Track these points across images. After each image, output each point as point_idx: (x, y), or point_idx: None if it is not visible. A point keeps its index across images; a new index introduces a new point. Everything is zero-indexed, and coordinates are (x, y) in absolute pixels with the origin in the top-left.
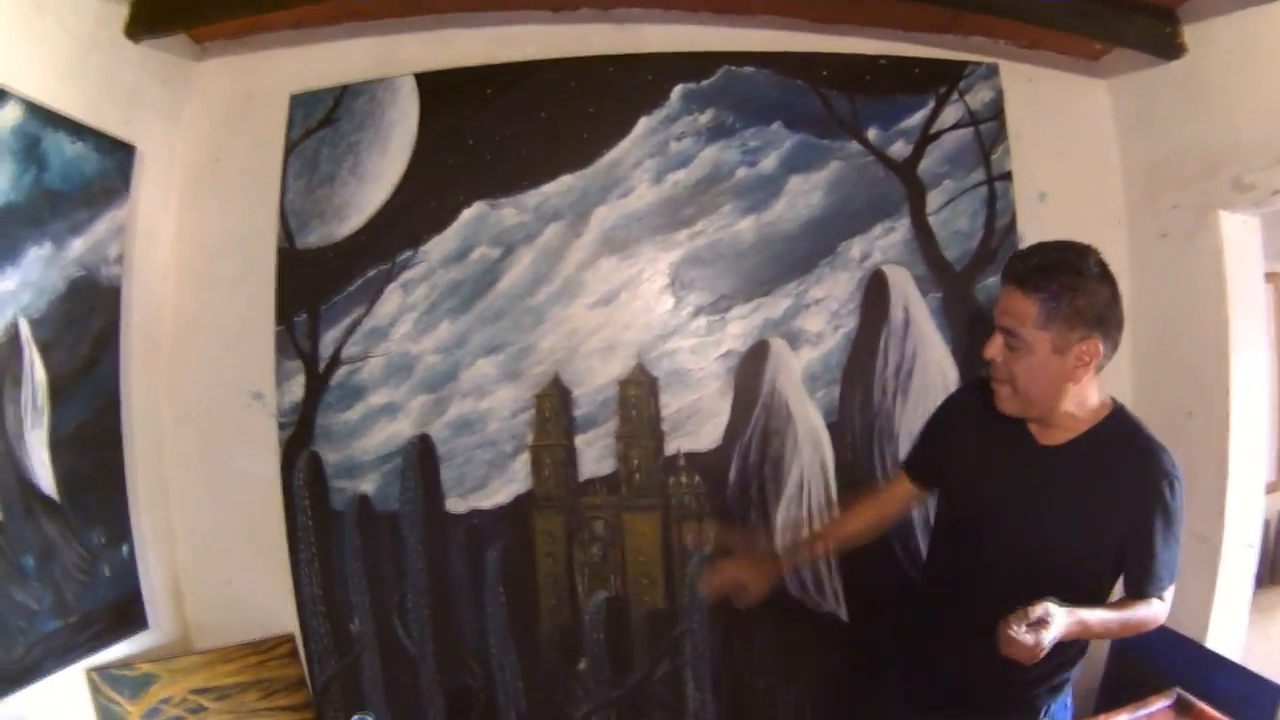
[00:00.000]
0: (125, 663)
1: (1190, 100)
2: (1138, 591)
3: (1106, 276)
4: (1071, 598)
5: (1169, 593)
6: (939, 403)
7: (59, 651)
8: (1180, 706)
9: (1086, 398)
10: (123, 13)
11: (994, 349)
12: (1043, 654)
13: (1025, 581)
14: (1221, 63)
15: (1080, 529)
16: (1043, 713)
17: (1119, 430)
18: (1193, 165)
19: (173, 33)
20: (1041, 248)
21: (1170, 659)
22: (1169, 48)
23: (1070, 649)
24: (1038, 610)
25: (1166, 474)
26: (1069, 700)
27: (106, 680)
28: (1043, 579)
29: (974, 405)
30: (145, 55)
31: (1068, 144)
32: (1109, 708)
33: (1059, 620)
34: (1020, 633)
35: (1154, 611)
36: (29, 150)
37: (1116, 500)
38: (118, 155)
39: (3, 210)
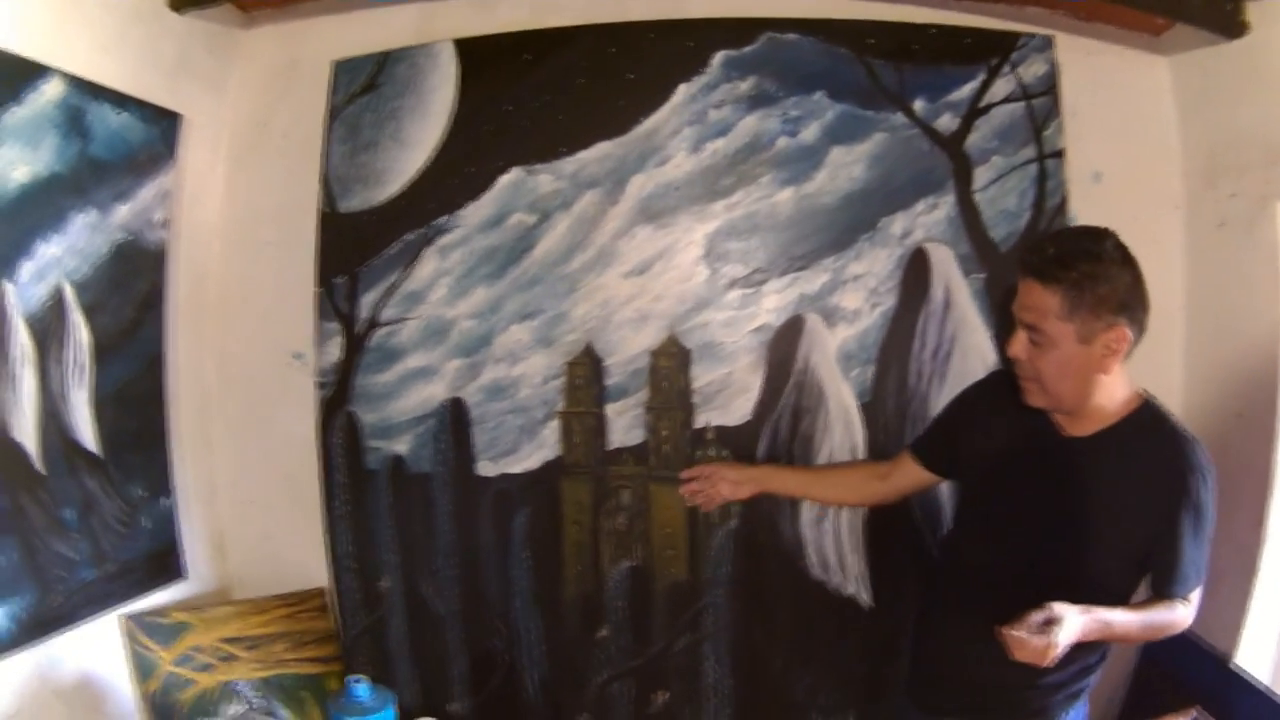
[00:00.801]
0: (160, 611)
1: (1252, 82)
2: (1163, 592)
3: (1127, 260)
4: (1096, 598)
5: (1196, 594)
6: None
7: (96, 599)
8: None
9: (1116, 389)
10: None
11: (1018, 347)
12: (1057, 656)
13: (1048, 581)
14: None
15: (1107, 525)
16: (1059, 718)
17: (1149, 422)
18: (1253, 152)
19: (216, 3)
20: (1057, 236)
21: (1196, 673)
22: (1231, 25)
23: (1091, 655)
24: (1041, 613)
25: (1198, 467)
26: (1086, 709)
27: (141, 627)
28: (1066, 578)
29: (996, 397)
30: (192, 26)
31: (1125, 123)
32: (1132, 718)
33: (1072, 621)
34: (1025, 635)
35: (1178, 615)
36: (73, 122)
37: (1145, 495)
38: (163, 124)
39: (47, 180)
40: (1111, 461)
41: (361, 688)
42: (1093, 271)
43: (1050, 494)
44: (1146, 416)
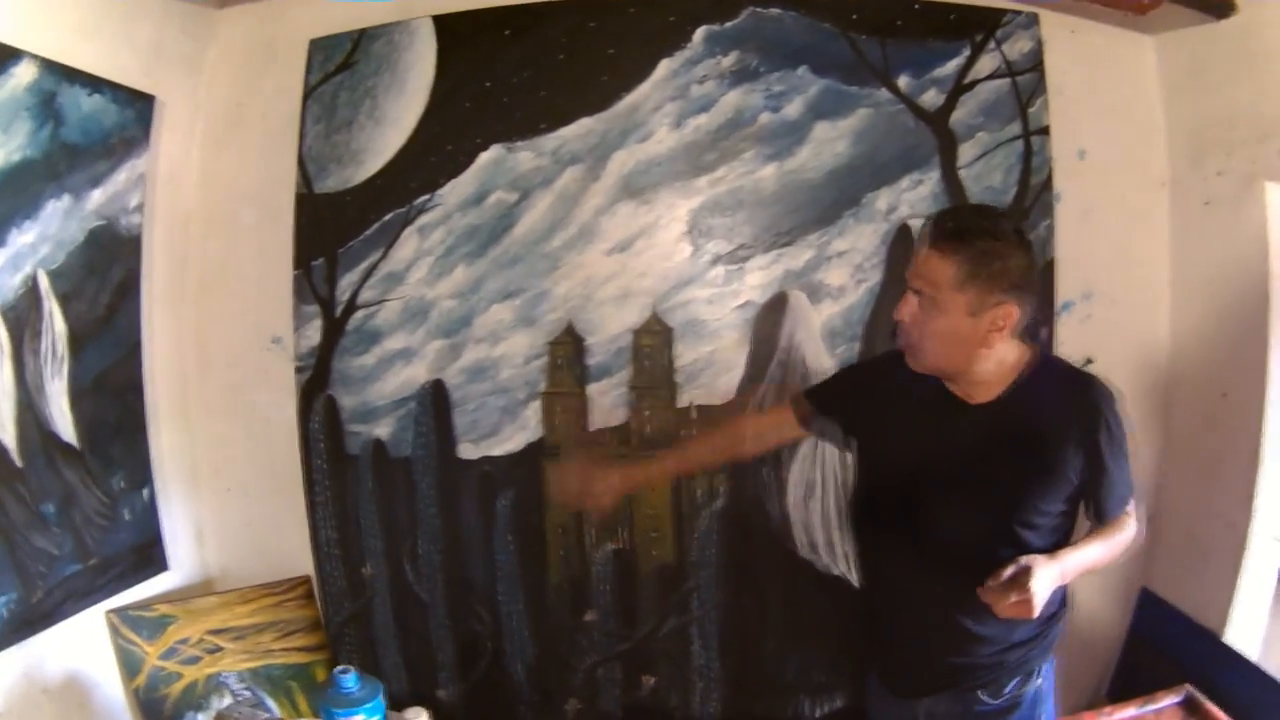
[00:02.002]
0: (144, 604)
1: (1240, 62)
2: (1104, 515)
3: (1023, 242)
4: (1041, 547)
5: (1133, 506)
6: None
7: (79, 594)
8: (1189, 705)
9: (1004, 355)
10: None
11: (907, 310)
12: (1039, 606)
13: (990, 545)
14: (1272, 25)
15: (1034, 478)
16: (1036, 674)
17: (1046, 374)
18: (1240, 130)
19: None
20: (958, 211)
21: (1186, 650)
22: (1219, 5)
23: (1053, 602)
24: (1009, 568)
25: (1102, 397)
26: (1053, 661)
27: (125, 621)
28: (1007, 538)
29: (899, 372)
30: (166, 6)
31: (1111, 101)
32: (1123, 695)
33: (1045, 569)
34: (1002, 591)
35: (1128, 531)
36: (45, 106)
37: (1062, 438)
38: (137, 106)
39: (20, 166)
40: (1024, 416)
41: (349, 678)
42: (990, 248)
43: (975, 462)
44: (1041, 368)
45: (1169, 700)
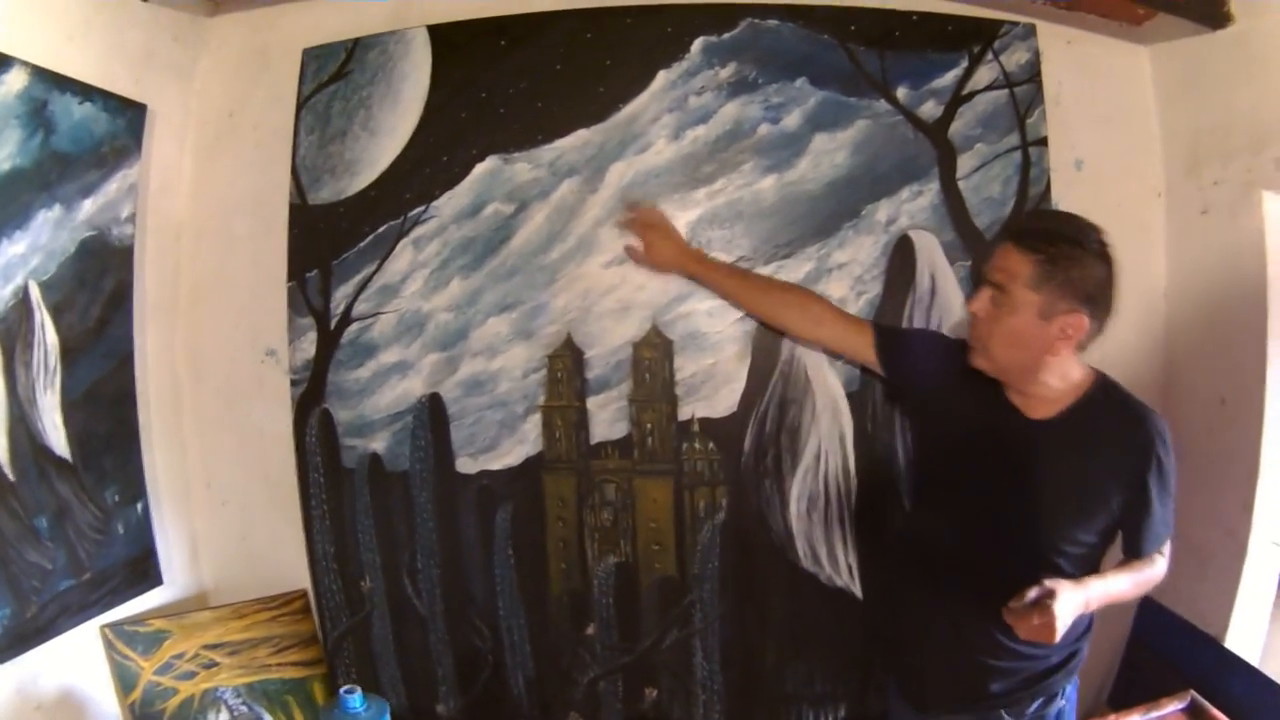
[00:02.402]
0: (138, 619)
1: (1236, 72)
2: (1138, 551)
3: (1106, 257)
4: (1073, 570)
5: (1167, 547)
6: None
7: (73, 609)
8: (1193, 711)
9: (1069, 371)
10: None
11: (979, 303)
12: (1061, 631)
13: (1026, 560)
14: (1268, 34)
15: (1078, 501)
16: (1060, 695)
17: (1107, 399)
18: (1237, 140)
19: None
20: (1046, 213)
21: (1188, 656)
22: (1215, 15)
23: (1079, 625)
24: (1033, 591)
25: (1159, 434)
26: (1077, 683)
27: (120, 636)
28: (1043, 555)
29: (967, 368)
30: (157, 13)
31: (1107, 111)
32: (1124, 701)
33: (1069, 595)
34: (1025, 613)
35: (1157, 569)
36: (35, 114)
37: (1113, 468)
38: (129, 115)
39: (10, 175)
40: (1077, 440)
41: (355, 698)
42: (1071, 254)
43: (1021, 477)
44: (1102, 393)
45: (1173, 707)
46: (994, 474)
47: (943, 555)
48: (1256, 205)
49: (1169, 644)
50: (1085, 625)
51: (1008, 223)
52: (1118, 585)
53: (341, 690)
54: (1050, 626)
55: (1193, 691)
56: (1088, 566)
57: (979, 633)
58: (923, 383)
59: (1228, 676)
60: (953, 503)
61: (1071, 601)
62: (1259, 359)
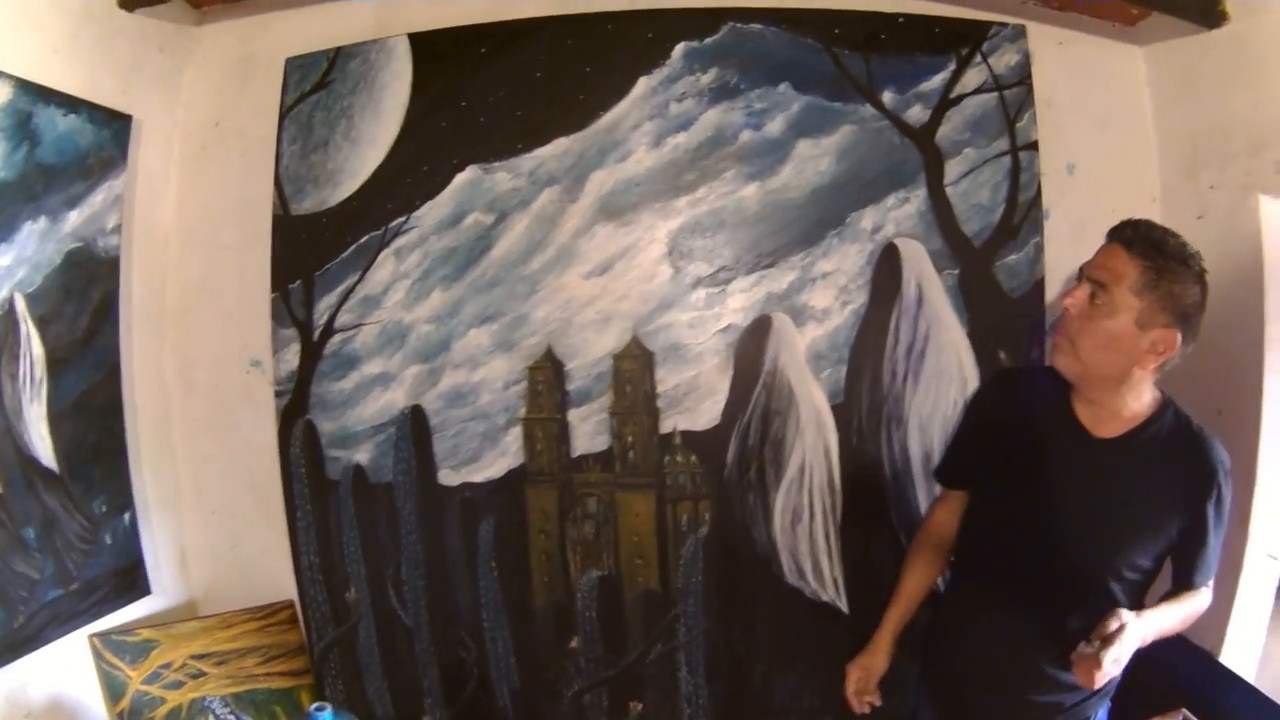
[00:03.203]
0: (126, 629)
1: (1232, 73)
2: (1190, 582)
3: (1204, 282)
4: (1122, 592)
5: (1211, 581)
6: (966, 403)
7: (61, 619)
8: None
9: (1144, 390)
10: None
11: (1077, 298)
12: (1122, 664)
13: (1078, 578)
14: (1266, 34)
15: (1138, 522)
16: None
17: (1174, 423)
18: (1234, 143)
19: (166, 1)
20: (1156, 225)
21: (1183, 671)
22: (1209, 14)
23: None
24: (1113, 623)
25: (1221, 463)
26: (1109, 704)
27: (109, 646)
28: (1097, 575)
29: (1013, 398)
30: (143, 24)
31: (1100, 114)
32: (1120, 717)
33: (1134, 630)
34: (1097, 653)
35: (1201, 602)
36: (20, 127)
37: (1174, 493)
38: (114, 126)
39: None
40: (1141, 462)
41: (326, 714)
42: (1176, 270)
43: (1082, 494)
44: (1169, 418)
45: None
46: (1056, 492)
47: (998, 578)
48: (1254, 210)
49: (1165, 659)
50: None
51: (1118, 226)
52: (1169, 617)
53: (312, 708)
54: (1117, 662)
55: (1184, 710)
56: (1138, 595)
57: (1027, 661)
58: (984, 472)
59: (1223, 693)
60: (1013, 519)
61: (1137, 634)
62: (1256, 370)
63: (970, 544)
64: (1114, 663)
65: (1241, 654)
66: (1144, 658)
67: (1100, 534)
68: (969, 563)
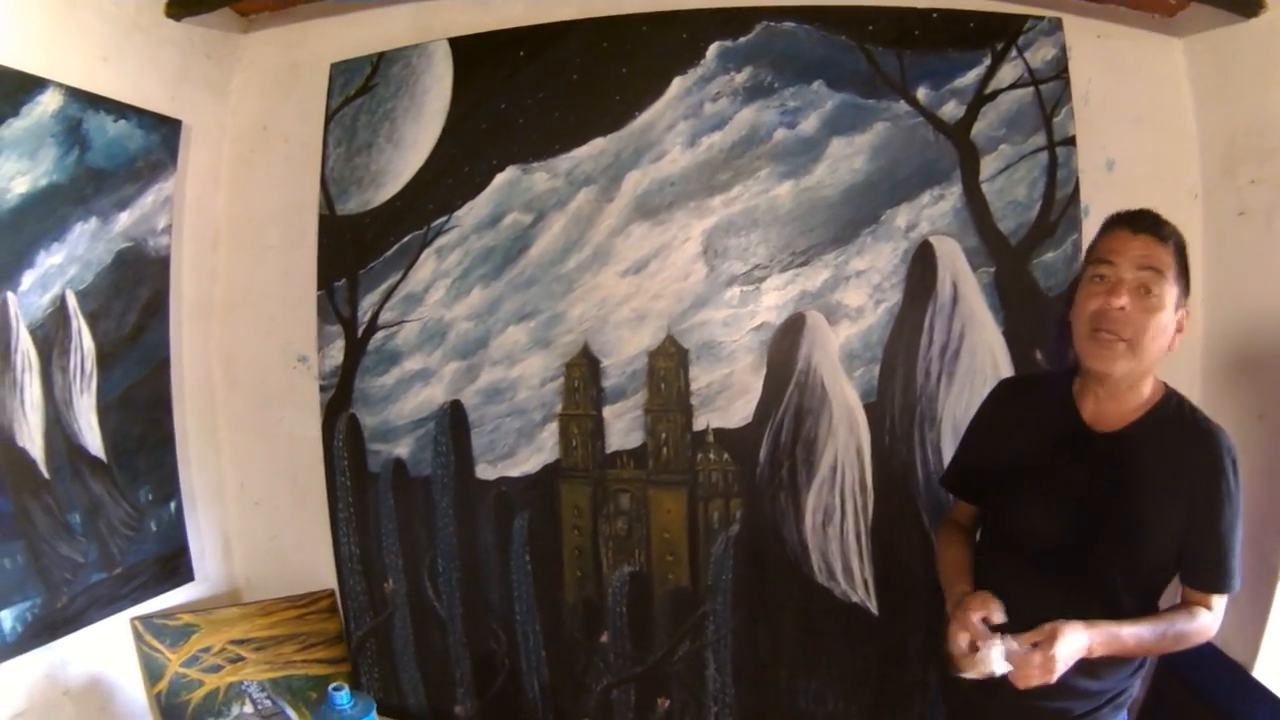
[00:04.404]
0: (168, 613)
1: (1271, 65)
2: (1207, 586)
3: None
4: (1131, 594)
5: (1222, 602)
6: (975, 411)
7: (104, 601)
8: None
9: (1150, 380)
10: None
11: (1126, 298)
12: (1059, 670)
13: (1088, 579)
14: None
15: (1146, 518)
16: None
17: (1177, 412)
18: (1273, 137)
19: (211, 10)
20: (1152, 210)
21: (1214, 684)
22: (1246, 3)
23: (1130, 663)
24: (1046, 628)
25: (1229, 454)
26: (1125, 715)
27: (150, 629)
28: (1106, 575)
29: (1014, 406)
30: (191, 32)
31: (1140, 108)
32: None
33: (1072, 638)
34: (1023, 655)
35: (1201, 623)
36: (71, 133)
37: (1181, 486)
38: (163, 130)
39: (47, 191)
40: (1147, 455)
41: (342, 695)
42: (1185, 246)
43: (1087, 492)
44: (1172, 407)
45: None
46: (1061, 491)
47: (1007, 580)
48: None
49: (1197, 672)
50: (1137, 664)
51: (1124, 215)
52: (1134, 634)
53: (330, 688)
54: (1042, 669)
55: None
56: (1147, 597)
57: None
58: (988, 483)
59: (1253, 708)
60: (1020, 522)
61: (1074, 644)
62: None
63: (981, 549)
64: (1040, 668)
65: (1275, 668)
66: (1170, 668)
67: (1107, 531)
68: (980, 566)
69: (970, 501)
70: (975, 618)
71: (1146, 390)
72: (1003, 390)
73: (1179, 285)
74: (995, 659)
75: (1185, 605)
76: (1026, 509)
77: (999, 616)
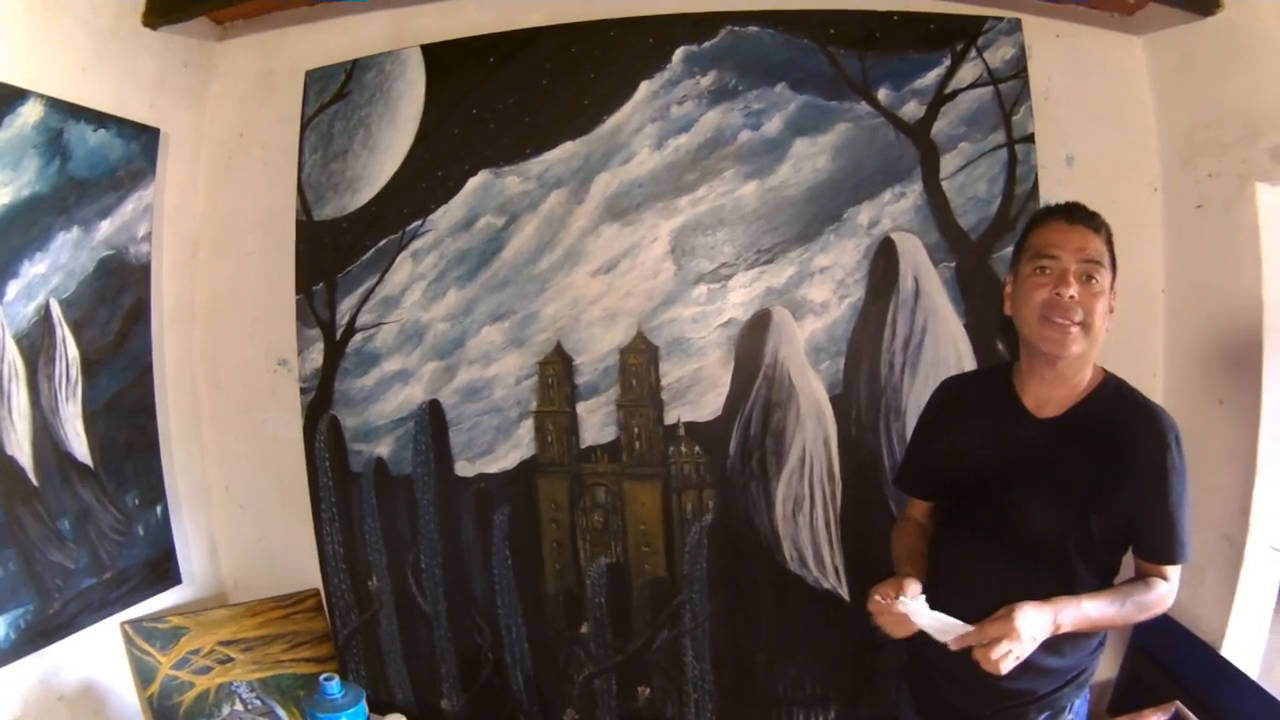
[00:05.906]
0: (157, 616)
1: (1229, 60)
2: (1161, 558)
3: None
4: (1089, 575)
5: (1176, 573)
6: (920, 412)
7: (95, 606)
8: None
9: (1093, 362)
10: (140, 3)
11: (1074, 287)
12: (1026, 652)
13: (1041, 563)
14: (1262, 20)
15: (1094, 501)
16: (1068, 710)
17: (1115, 394)
18: (1231, 131)
19: (188, 19)
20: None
21: (1184, 663)
22: (1204, 2)
23: (1091, 639)
24: (1001, 612)
25: (1171, 430)
26: (1088, 696)
27: (139, 633)
28: (1060, 558)
29: (957, 404)
30: (168, 41)
31: (1098, 105)
32: (1121, 709)
33: (1033, 614)
34: (980, 640)
35: (1159, 593)
36: (52, 143)
37: (1124, 468)
38: (142, 139)
39: (29, 201)
40: (1086, 437)
41: (333, 685)
42: (1110, 231)
43: (1035, 478)
44: (1111, 389)
45: (1157, 718)
46: (1009, 478)
47: (963, 567)
48: (1250, 198)
49: (1167, 652)
50: (1098, 642)
51: (1057, 209)
52: (1096, 606)
53: (321, 678)
54: (1005, 657)
55: (1177, 703)
56: (1105, 574)
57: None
58: (938, 477)
59: (1221, 686)
60: (972, 514)
61: (1035, 621)
62: (1255, 359)
63: (939, 541)
64: (1004, 652)
65: (1243, 647)
66: (1142, 648)
67: (1056, 513)
68: (940, 557)
69: (922, 498)
70: (883, 588)
71: (1088, 375)
72: (945, 389)
73: (1111, 271)
74: (914, 610)
75: (1142, 578)
76: (979, 499)
77: (914, 592)
